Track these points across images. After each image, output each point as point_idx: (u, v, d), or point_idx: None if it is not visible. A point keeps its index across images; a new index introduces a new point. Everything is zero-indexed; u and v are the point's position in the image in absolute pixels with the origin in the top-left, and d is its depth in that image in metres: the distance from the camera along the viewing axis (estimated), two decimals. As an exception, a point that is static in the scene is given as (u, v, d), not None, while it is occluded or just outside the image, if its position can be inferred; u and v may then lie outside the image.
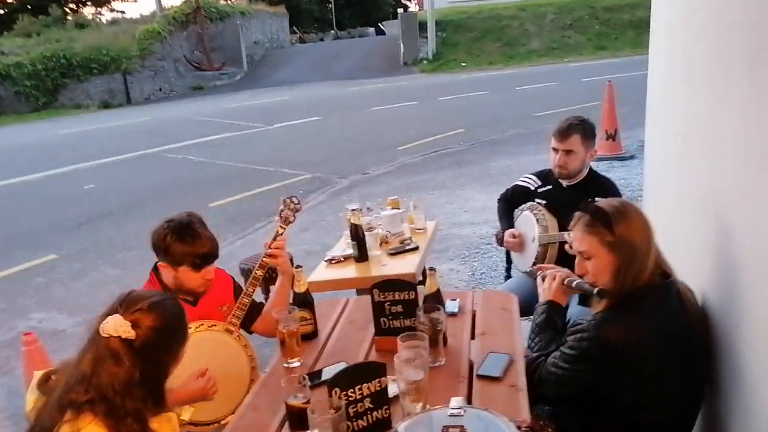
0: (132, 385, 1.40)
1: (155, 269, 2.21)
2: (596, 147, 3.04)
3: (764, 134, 1.42)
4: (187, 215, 2.17)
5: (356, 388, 1.48)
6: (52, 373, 1.53)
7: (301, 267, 2.21)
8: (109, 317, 1.44)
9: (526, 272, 2.97)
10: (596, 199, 2.78)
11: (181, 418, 1.82)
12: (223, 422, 2.02)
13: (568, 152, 2.89)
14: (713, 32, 1.92)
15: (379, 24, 36.61)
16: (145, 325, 1.45)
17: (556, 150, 2.93)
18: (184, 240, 2.10)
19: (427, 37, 22.71)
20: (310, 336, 2.19)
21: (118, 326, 1.41)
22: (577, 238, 1.83)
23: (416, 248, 3.11)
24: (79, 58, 20.68)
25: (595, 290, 1.79)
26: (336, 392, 1.45)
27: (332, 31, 40.32)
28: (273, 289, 2.43)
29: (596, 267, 1.78)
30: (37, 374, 1.62)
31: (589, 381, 1.75)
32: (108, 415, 1.38)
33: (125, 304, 1.48)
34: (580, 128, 2.90)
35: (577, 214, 1.85)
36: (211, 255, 2.18)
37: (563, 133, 2.89)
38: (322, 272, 3.01)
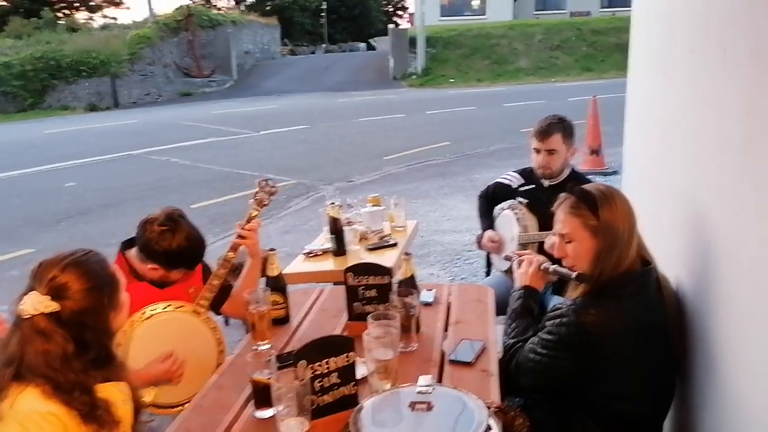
0: (67, 358, 1.31)
1: (123, 250, 2.16)
2: (575, 145, 3.03)
3: (744, 128, 1.41)
4: (172, 210, 2.10)
5: (323, 362, 1.44)
6: None
7: (275, 250, 2.17)
8: (25, 297, 1.32)
9: (504, 271, 2.95)
10: None
11: (143, 399, 1.76)
12: (187, 405, 1.97)
13: (550, 152, 2.88)
14: (691, 29, 1.93)
15: (370, 40, 36.86)
16: (66, 292, 1.33)
17: (537, 150, 2.91)
18: (188, 248, 2.06)
19: (416, 53, 22.88)
20: (282, 321, 2.14)
21: (36, 303, 1.30)
22: (560, 219, 1.78)
23: (395, 244, 3.09)
24: (69, 61, 20.56)
25: (574, 274, 1.76)
26: (302, 364, 1.41)
27: (323, 45, 40.52)
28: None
29: (577, 251, 1.74)
30: None
31: (566, 368, 1.71)
32: (55, 390, 1.29)
33: (38, 278, 1.34)
34: (561, 126, 2.89)
35: (562, 195, 1.80)
36: (203, 255, 2.17)
37: (544, 133, 2.87)
38: (299, 265, 2.97)
